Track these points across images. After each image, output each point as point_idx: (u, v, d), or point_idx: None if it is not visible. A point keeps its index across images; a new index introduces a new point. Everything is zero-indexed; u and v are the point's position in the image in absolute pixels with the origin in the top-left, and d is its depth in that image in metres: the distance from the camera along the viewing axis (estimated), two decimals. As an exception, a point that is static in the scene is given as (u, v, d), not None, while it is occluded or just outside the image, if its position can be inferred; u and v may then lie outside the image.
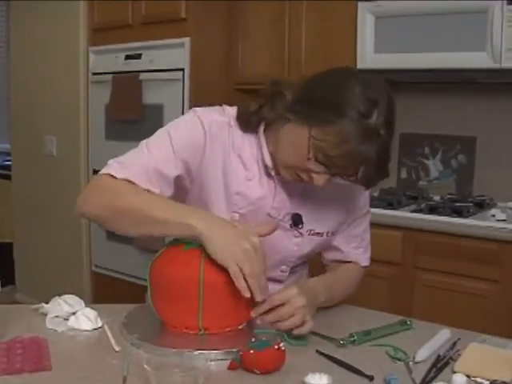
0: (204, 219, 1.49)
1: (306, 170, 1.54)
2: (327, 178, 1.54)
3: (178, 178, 1.65)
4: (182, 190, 1.70)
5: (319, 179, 1.54)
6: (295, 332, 1.54)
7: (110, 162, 1.64)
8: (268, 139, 1.69)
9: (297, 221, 1.73)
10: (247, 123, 1.69)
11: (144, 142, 1.67)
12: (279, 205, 1.71)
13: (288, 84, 1.68)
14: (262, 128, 1.70)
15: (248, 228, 1.51)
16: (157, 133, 1.69)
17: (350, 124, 1.42)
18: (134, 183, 1.58)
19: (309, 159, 1.51)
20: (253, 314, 1.53)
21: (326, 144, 1.46)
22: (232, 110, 1.73)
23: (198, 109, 1.71)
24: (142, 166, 1.60)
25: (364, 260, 1.93)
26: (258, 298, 1.46)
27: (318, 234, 1.78)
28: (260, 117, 1.68)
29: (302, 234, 1.75)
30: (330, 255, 1.92)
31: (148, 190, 1.59)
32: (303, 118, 1.51)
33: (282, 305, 1.53)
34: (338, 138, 1.44)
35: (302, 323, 1.54)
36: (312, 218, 1.75)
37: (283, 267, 1.80)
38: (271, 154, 1.67)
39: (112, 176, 1.59)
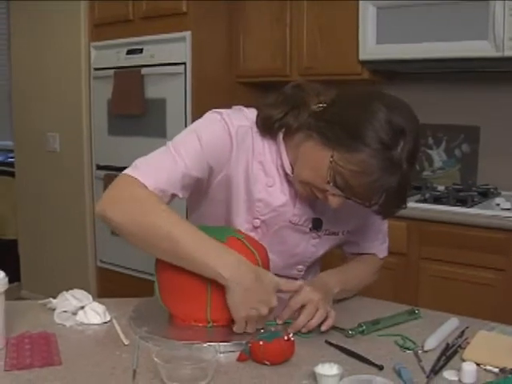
0: (234, 270, 1.43)
1: (322, 190, 1.54)
2: (342, 200, 1.53)
3: (198, 180, 1.62)
4: (198, 189, 1.67)
5: (334, 201, 1.53)
6: (323, 328, 1.54)
7: (137, 162, 1.59)
8: (287, 146, 1.66)
9: (317, 225, 1.73)
10: (270, 129, 1.65)
11: (170, 143, 1.61)
12: (300, 211, 1.70)
13: (310, 89, 1.64)
14: (281, 135, 1.66)
15: (274, 284, 1.48)
16: (183, 134, 1.64)
17: (372, 155, 1.41)
18: (162, 190, 1.54)
19: (328, 182, 1.50)
20: (278, 321, 1.54)
21: (346, 171, 1.45)
22: (251, 114, 1.69)
23: (223, 112, 1.65)
24: (169, 171, 1.56)
25: (381, 251, 1.93)
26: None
27: (334, 233, 1.78)
28: (282, 124, 1.64)
29: (319, 236, 1.76)
30: (347, 248, 1.92)
31: (173, 195, 1.57)
32: (326, 140, 1.49)
33: (303, 306, 1.54)
34: (359, 167, 1.43)
35: (327, 315, 1.55)
36: (330, 220, 1.75)
37: (300, 267, 1.81)
38: (290, 163, 1.65)
39: (140, 181, 1.53)
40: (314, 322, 1.53)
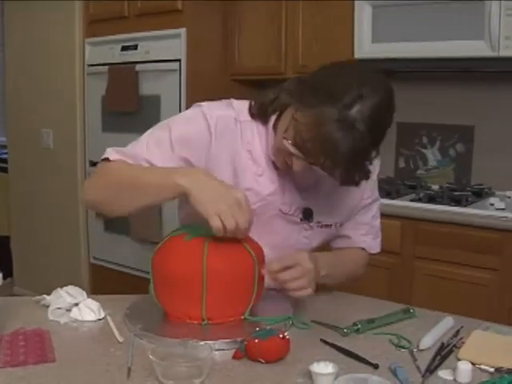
0: (189, 175, 1.50)
1: (289, 153, 1.54)
2: (303, 164, 1.53)
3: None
4: None
5: (296, 164, 1.55)
6: (298, 293, 1.56)
7: (108, 149, 1.67)
8: (276, 133, 1.66)
9: (307, 215, 1.74)
10: (264, 114, 1.68)
11: (144, 136, 1.67)
12: (290, 200, 1.71)
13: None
14: (273, 119, 1.67)
15: (233, 186, 1.54)
16: (158, 126, 1.70)
17: (329, 110, 1.41)
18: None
19: (284, 138, 1.52)
20: (263, 271, 1.56)
21: (303, 126, 1.46)
22: (241, 104, 1.71)
23: (203, 104, 1.68)
24: (137, 159, 1.64)
25: (373, 247, 1.92)
26: None
27: (326, 225, 1.78)
28: (275, 107, 1.66)
29: (311, 227, 1.76)
30: (338, 243, 1.91)
31: None
32: (294, 100, 1.52)
33: (292, 266, 1.56)
34: (314, 120, 1.43)
35: (307, 286, 1.57)
36: (321, 211, 1.75)
37: None
38: None
39: (108, 160, 1.65)
40: (292, 286, 1.55)
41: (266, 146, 1.68)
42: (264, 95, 1.69)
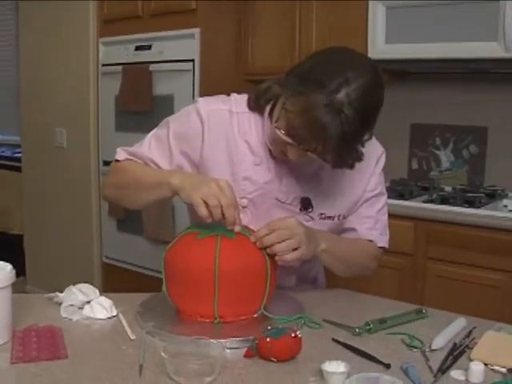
0: (181, 175, 1.62)
1: (284, 142, 1.56)
2: (298, 152, 1.55)
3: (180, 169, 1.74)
4: None
5: (291, 152, 1.58)
6: (287, 257, 1.56)
7: (118, 149, 1.83)
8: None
9: (306, 204, 1.75)
10: (259, 106, 1.72)
11: (148, 135, 1.80)
12: (287, 188, 1.72)
13: None
14: (267, 109, 1.70)
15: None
16: (160, 124, 1.81)
17: (316, 96, 1.43)
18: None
19: (276, 127, 1.55)
20: (252, 238, 1.57)
21: (293, 115, 1.48)
22: (240, 97, 1.77)
23: (199, 99, 1.78)
24: (141, 158, 1.78)
25: (381, 241, 1.88)
26: (236, 229, 1.55)
27: (329, 217, 1.78)
28: (269, 96, 1.69)
29: (312, 218, 1.75)
30: (345, 236, 1.87)
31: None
32: (284, 91, 1.55)
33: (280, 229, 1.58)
34: (303, 106, 1.45)
35: (296, 249, 1.57)
36: (322, 202, 1.76)
37: None
38: None
39: (118, 161, 1.81)
40: (280, 247, 1.56)
41: (263, 136, 1.71)
42: (259, 87, 1.73)
